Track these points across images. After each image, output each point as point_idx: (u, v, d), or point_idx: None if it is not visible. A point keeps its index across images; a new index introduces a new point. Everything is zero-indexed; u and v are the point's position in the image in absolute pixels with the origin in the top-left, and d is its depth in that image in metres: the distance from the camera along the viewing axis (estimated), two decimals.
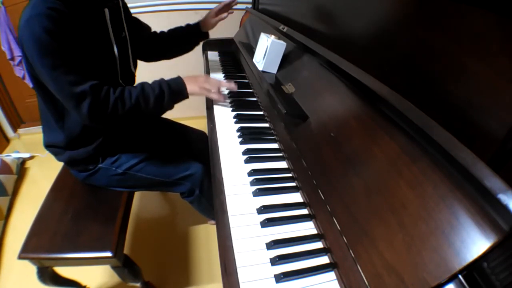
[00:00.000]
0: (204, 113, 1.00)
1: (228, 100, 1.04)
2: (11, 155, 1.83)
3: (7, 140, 2.11)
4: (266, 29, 1.22)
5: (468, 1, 0.46)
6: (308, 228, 0.61)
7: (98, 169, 0.97)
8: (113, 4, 0.88)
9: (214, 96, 0.96)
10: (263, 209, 0.63)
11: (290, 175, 0.75)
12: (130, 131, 1.03)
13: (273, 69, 1.05)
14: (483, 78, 0.43)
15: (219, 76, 1.28)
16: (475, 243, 0.35)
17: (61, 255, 0.82)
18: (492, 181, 0.35)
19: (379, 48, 0.67)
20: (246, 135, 0.87)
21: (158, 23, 1.89)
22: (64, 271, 0.99)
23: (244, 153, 0.80)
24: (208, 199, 1.09)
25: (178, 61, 1.32)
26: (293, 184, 0.72)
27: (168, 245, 1.41)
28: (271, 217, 0.61)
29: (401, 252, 0.42)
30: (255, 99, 1.11)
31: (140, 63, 1.13)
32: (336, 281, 0.52)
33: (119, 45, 0.90)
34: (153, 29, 1.21)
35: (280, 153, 0.82)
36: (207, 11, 1.95)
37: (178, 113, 0.94)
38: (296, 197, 0.68)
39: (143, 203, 1.63)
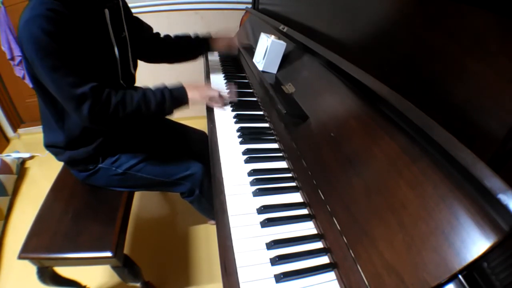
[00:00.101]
0: (204, 113, 1.00)
1: (227, 101, 1.04)
2: (11, 155, 1.83)
3: (7, 140, 2.11)
4: (266, 29, 1.22)
5: (468, 1, 0.46)
6: (308, 228, 0.61)
7: (98, 169, 0.97)
8: (113, 4, 0.87)
9: (215, 104, 0.98)
10: (263, 209, 0.63)
11: (290, 175, 0.75)
12: (130, 131, 1.03)
13: (273, 69, 1.05)
14: (483, 78, 0.43)
15: (219, 76, 1.28)
16: (475, 243, 0.35)
17: (61, 255, 0.82)
18: (492, 181, 0.35)
19: (379, 48, 0.67)
20: (246, 135, 0.87)
21: (158, 23, 1.90)
22: (64, 271, 0.99)
23: (244, 153, 0.80)
24: (208, 199, 1.09)
25: None
26: (293, 184, 0.72)
27: (168, 245, 1.41)
28: (271, 217, 0.61)
29: (401, 252, 0.42)
30: (255, 99, 1.11)
31: (140, 63, 1.13)
32: (336, 281, 0.52)
33: (120, 46, 0.90)
34: (154, 29, 1.21)
35: (280, 153, 0.82)
36: (207, 11, 1.97)
37: (178, 113, 0.94)
38: (296, 197, 0.68)
39: (143, 203, 1.63)
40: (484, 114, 0.43)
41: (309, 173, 0.68)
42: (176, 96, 0.89)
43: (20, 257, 0.82)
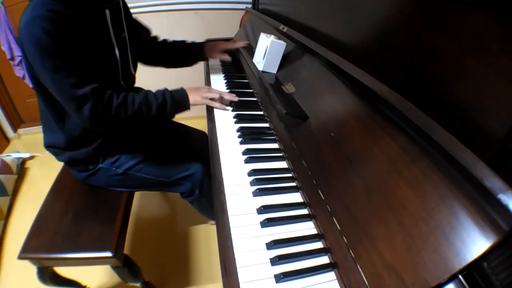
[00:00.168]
0: (204, 113, 1.00)
1: (227, 102, 1.04)
2: (11, 155, 1.83)
3: (7, 140, 2.11)
4: (266, 29, 1.22)
5: (468, 1, 0.46)
6: (308, 228, 0.61)
7: (98, 169, 0.97)
8: (114, 4, 0.87)
9: (216, 105, 0.98)
10: (263, 209, 0.63)
11: (290, 175, 0.75)
12: (130, 131, 1.03)
13: (273, 69, 1.05)
14: (483, 78, 0.43)
15: (219, 76, 1.28)
16: (475, 243, 0.35)
17: (61, 255, 0.82)
18: (492, 181, 0.35)
19: (379, 48, 0.67)
20: (246, 135, 0.87)
21: (158, 23, 1.90)
22: (64, 271, 0.99)
23: (244, 153, 0.80)
24: (208, 199, 1.09)
25: None
26: (293, 184, 0.72)
27: (168, 245, 1.41)
28: (271, 217, 0.61)
29: (401, 252, 0.42)
30: (255, 99, 1.11)
31: (140, 64, 1.13)
32: (336, 281, 0.52)
33: (120, 46, 0.90)
34: (153, 29, 1.21)
35: (280, 153, 0.82)
36: (207, 11, 1.97)
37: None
38: (296, 197, 0.68)
39: (143, 203, 1.63)
40: (484, 114, 0.43)
41: (309, 173, 0.68)
42: (178, 100, 0.89)
43: (20, 257, 0.82)
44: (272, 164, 0.78)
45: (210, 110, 0.99)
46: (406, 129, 0.52)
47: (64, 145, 0.90)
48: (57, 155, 0.95)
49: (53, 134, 0.90)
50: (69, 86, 0.72)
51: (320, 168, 0.65)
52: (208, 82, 1.24)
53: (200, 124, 1.43)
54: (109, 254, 0.82)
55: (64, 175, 1.06)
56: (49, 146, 0.94)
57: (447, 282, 0.37)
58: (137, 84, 1.09)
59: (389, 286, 0.42)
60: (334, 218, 0.56)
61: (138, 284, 1.04)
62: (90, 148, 0.92)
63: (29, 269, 0.89)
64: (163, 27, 1.93)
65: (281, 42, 1.00)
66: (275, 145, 0.86)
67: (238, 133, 0.88)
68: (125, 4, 0.99)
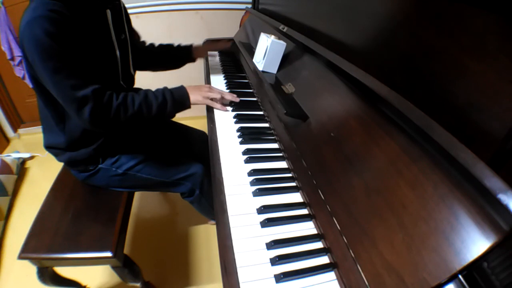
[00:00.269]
0: (204, 113, 1.00)
1: (227, 102, 1.04)
2: (11, 155, 1.83)
3: (7, 140, 2.11)
4: (266, 29, 1.22)
5: (468, 1, 0.46)
6: (308, 228, 0.61)
7: (98, 169, 0.97)
8: (114, 5, 0.87)
9: (217, 105, 0.98)
10: (263, 209, 0.63)
11: (290, 175, 0.75)
12: (130, 132, 1.03)
13: (273, 69, 1.05)
14: (483, 78, 0.43)
15: (219, 76, 1.28)
16: (475, 243, 0.35)
17: (61, 255, 0.82)
18: (492, 181, 0.35)
19: (379, 48, 0.67)
20: (246, 135, 0.87)
21: (158, 23, 1.90)
22: (64, 271, 0.99)
23: (244, 153, 0.80)
24: (208, 199, 1.09)
25: None
26: (293, 184, 0.72)
27: (168, 245, 1.41)
28: (271, 217, 0.61)
29: (401, 252, 0.42)
30: (255, 99, 1.11)
31: None
32: (336, 281, 0.52)
33: (120, 47, 0.90)
34: (153, 29, 1.22)
35: (280, 153, 0.82)
36: (207, 11, 1.97)
37: (178, 113, 0.94)
38: (296, 197, 0.68)
39: (143, 203, 1.63)
40: (484, 114, 0.43)
41: (309, 173, 0.68)
42: (178, 99, 0.89)
43: (20, 257, 0.82)
44: (272, 164, 0.78)
45: (210, 110, 0.99)
46: (406, 129, 0.52)
47: (64, 145, 0.90)
48: (57, 156, 0.95)
49: (53, 134, 0.90)
50: (70, 88, 0.72)
51: (320, 168, 0.65)
52: (208, 82, 1.24)
53: (200, 124, 1.43)
54: (109, 254, 0.82)
55: (64, 175, 1.06)
56: (49, 147, 0.94)
57: (447, 282, 0.37)
58: (137, 84, 1.09)
59: (389, 286, 0.42)
60: (334, 218, 0.56)
61: (138, 284, 1.04)
62: (90, 148, 0.92)
63: (29, 269, 0.89)
64: (164, 27, 1.93)
65: (281, 42, 1.00)
66: (275, 145, 0.86)
67: (238, 133, 0.88)
68: (124, 5, 0.99)
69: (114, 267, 0.92)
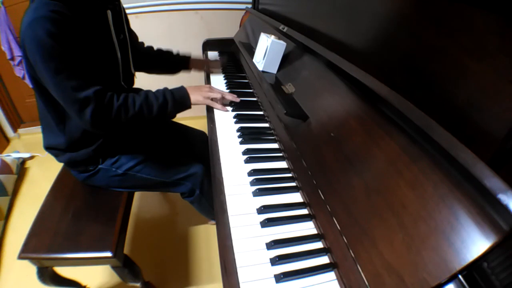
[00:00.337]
0: (204, 113, 1.00)
1: (228, 102, 1.04)
2: (11, 155, 1.83)
3: (7, 140, 2.11)
4: (266, 29, 1.22)
5: (468, 1, 0.46)
6: (308, 228, 0.61)
7: (98, 170, 0.96)
8: (115, 5, 0.87)
9: (218, 106, 0.98)
10: (263, 209, 0.63)
11: (290, 175, 0.75)
12: (130, 132, 1.03)
13: (273, 69, 1.05)
14: (483, 78, 0.43)
15: (219, 76, 1.28)
16: (475, 243, 0.35)
17: (61, 255, 0.82)
18: (492, 181, 0.35)
19: (379, 48, 0.67)
20: (246, 135, 0.87)
21: (158, 23, 1.90)
22: (64, 271, 0.99)
23: (244, 153, 0.80)
24: (208, 199, 1.09)
25: None
26: (293, 184, 0.72)
27: (168, 245, 1.41)
28: (271, 217, 0.61)
29: (401, 252, 0.42)
30: (255, 99, 1.11)
31: None
32: (336, 281, 0.52)
33: (121, 47, 0.90)
34: (153, 29, 1.22)
35: (280, 153, 0.82)
36: (207, 11, 1.97)
37: (178, 114, 0.94)
38: (296, 197, 0.68)
39: (143, 203, 1.63)
40: (484, 114, 0.43)
41: (309, 173, 0.68)
42: (178, 99, 0.89)
43: (20, 257, 0.82)
44: (272, 164, 0.78)
45: (210, 110, 0.99)
46: (406, 129, 0.52)
47: (64, 146, 0.90)
48: (57, 156, 0.95)
49: (53, 135, 0.90)
50: (71, 89, 0.72)
51: (320, 168, 0.65)
52: (208, 82, 1.24)
53: (200, 124, 1.43)
54: (109, 254, 0.82)
55: (64, 175, 1.06)
56: (48, 148, 0.94)
57: (447, 282, 0.37)
58: (137, 85, 1.09)
59: (389, 286, 0.42)
60: (334, 218, 0.56)
61: (138, 284, 1.04)
62: (90, 149, 0.92)
63: (29, 269, 0.89)
64: (163, 27, 1.93)
65: (281, 42, 1.00)
66: (275, 145, 0.86)
67: (238, 133, 0.88)
68: (123, 6, 0.99)
69: (114, 267, 0.92)
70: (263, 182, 0.70)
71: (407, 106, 0.50)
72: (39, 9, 0.67)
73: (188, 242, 1.42)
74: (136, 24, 1.26)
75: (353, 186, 0.55)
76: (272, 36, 1.00)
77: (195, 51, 1.34)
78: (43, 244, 0.83)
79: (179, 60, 1.24)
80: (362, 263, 0.47)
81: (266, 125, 0.95)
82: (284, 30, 1.05)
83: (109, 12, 0.84)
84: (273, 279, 0.51)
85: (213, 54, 1.58)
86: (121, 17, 0.92)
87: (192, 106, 0.93)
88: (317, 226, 0.61)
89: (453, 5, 0.48)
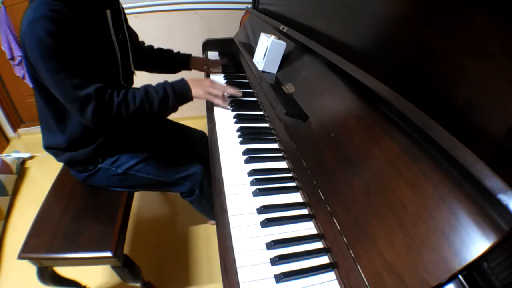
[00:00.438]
0: (204, 113, 1.00)
1: (229, 101, 1.04)
2: (11, 155, 1.83)
3: (7, 140, 2.11)
4: (266, 29, 1.22)
5: (468, 1, 0.46)
6: (308, 228, 0.61)
7: (98, 169, 0.97)
8: (114, 5, 0.88)
9: (218, 101, 0.97)
10: (263, 209, 0.63)
11: (290, 175, 0.75)
12: (130, 131, 1.03)
13: (273, 69, 1.05)
14: (483, 78, 0.43)
15: (219, 76, 1.28)
16: (475, 243, 0.35)
17: (61, 255, 0.82)
18: (492, 181, 0.35)
19: (379, 48, 0.67)
20: (246, 135, 0.87)
21: (158, 23, 1.90)
22: (64, 271, 0.99)
23: (244, 153, 0.80)
24: (208, 199, 1.09)
25: None
26: (293, 184, 0.72)
27: (168, 245, 1.41)
28: (271, 217, 0.61)
29: (401, 252, 0.42)
30: (255, 99, 1.11)
31: None
32: (336, 281, 0.52)
33: (120, 46, 0.90)
34: (153, 29, 1.22)
35: (280, 153, 0.82)
36: (207, 11, 1.97)
37: (178, 113, 0.93)
38: (296, 197, 0.68)
39: (143, 203, 1.63)
40: (484, 114, 0.43)
41: (309, 173, 0.68)
42: (179, 91, 0.88)
43: (20, 257, 0.82)
44: (272, 164, 0.78)
45: (210, 110, 0.99)
46: (406, 129, 0.52)
47: (64, 146, 0.90)
48: (57, 156, 0.95)
49: (53, 135, 0.90)
50: (72, 87, 0.72)
51: (320, 168, 0.65)
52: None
53: (200, 124, 1.43)
54: (109, 254, 0.82)
55: (64, 175, 1.06)
56: (48, 147, 0.94)
57: (447, 282, 0.37)
58: (137, 84, 1.09)
59: (389, 286, 0.42)
60: (334, 218, 0.56)
61: (138, 284, 1.04)
62: (90, 148, 0.92)
63: (29, 269, 0.89)
64: (163, 27, 1.93)
65: (281, 42, 1.00)
66: (275, 145, 0.86)
67: (238, 133, 0.88)
68: (121, 5, 0.99)
69: (114, 267, 0.92)
70: (263, 182, 0.70)
71: (407, 106, 0.50)
72: (39, 8, 0.67)
73: (188, 242, 1.42)
74: (136, 24, 1.26)
75: (353, 186, 0.55)
76: (272, 36, 1.00)
77: (195, 51, 1.34)
78: (43, 244, 0.83)
79: (180, 59, 1.24)
80: (362, 263, 0.47)
81: (266, 125, 0.95)
82: (284, 30, 1.05)
83: (108, 12, 0.84)
84: (273, 279, 0.51)
85: (213, 54, 1.58)
86: (120, 17, 0.92)
87: (191, 106, 0.92)
88: (317, 226, 0.61)
89: (453, 5, 0.48)
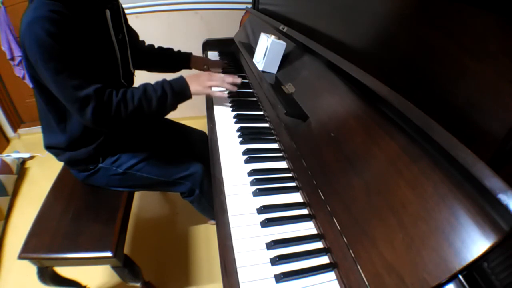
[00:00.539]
0: (204, 113, 1.00)
1: (228, 100, 1.04)
2: (11, 155, 1.83)
3: (7, 140, 2.11)
4: (266, 29, 1.22)
5: (468, 1, 0.46)
6: (308, 228, 0.61)
7: (98, 169, 0.97)
8: (113, 5, 0.88)
9: (216, 94, 0.96)
10: (263, 209, 0.63)
11: (290, 175, 0.75)
12: (130, 131, 1.03)
13: (273, 69, 1.05)
14: (483, 78, 0.43)
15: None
16: (475, 243, 0.35)
17: (61, 255, 0.82)
18: (492, 181, 0.35)
19: (379, 48, 0.67)
20: (246, 135, 0.87)
21: (158, 23, 1.90)
22: (64, 271, 0.99)
23: (244, 153, 0.80)
24: (208, 199, 1.09)
25: None
26: (293, 184, 0.72)
27: (168, 245, 1.41)
28: (271, 217, 0.61)
29: (401, 252, 0.42)
30: (255, 99, 1.11)
31: None
32: (336, 281, 0.52)
33: (120, 46, 0.90)
34: (153, 29, 1.22)
35: (280, 153, 0.82)
36: (207, 11, 1.97)
37: (178, 113, 0.93)
38: (296, 197, 0.68)
39: (143, 203, 1.63)
40: (484, 114, 0.43)
41: (309, 173, 0.68)
42: (178, 90, 0.88)
43: (20, 257, 0.82)
44: (272, 164, 0.78)
45: (210, 110, 0.99)
46: (406, 129, 0.52)
47: (64, 145, 0.90)
48: (58, 156, 0.95)
49: (54, 135, 0.90)
50: (72, 88, 0.72)
51: (320, 168, 0.65)
52: None
53: (200, 124, 1.43)
54: (109, 254, 0.82)
55: (64, 175, 1.06)
56: (49, 147, 0.94)
57: (447, 282, 0.37)
58: (137, 83, 1.09)
59: (389, 286, 0.42)
60: (334, 218, 0.56)
61: (138, 284, 1.04)
62: (91, 147, 0.92)
63: (29, 269, 0.89)
64: (163, 27, 1.93)
65: (281, 42, 1.00)
66: (275, 145, 0.86)
67: (238, 133, 0.88)
68: (121, 5, 0.99)
69: (114, 267, 0.92)
70: (263, 182, 0.70)
71: (407, 106, 0.50)
72: (39, 9, 0.67)
73: (188, 242, 1.42)
74: (136, 24, 1.26)
75: (353, 186, 0.55)
76: (272, 36, 1.00)
77: (195, 51, 1.34)
78: (43, 244, 0.83)
79: (180, 58, 1.24)
80: (362, 263, 0.47)
81: (266, 125, 0.95)
82: (284, 30, 1.05)
83: (107, 12, 0.84)
84: (273, 279, 0.51)
85: (213, 54, 1.58)
86: (119, 17, 0.92)
87: (193, 96, 0.92)
88: (317, 226, 0.61)
89: (453, 5, 0.48)
